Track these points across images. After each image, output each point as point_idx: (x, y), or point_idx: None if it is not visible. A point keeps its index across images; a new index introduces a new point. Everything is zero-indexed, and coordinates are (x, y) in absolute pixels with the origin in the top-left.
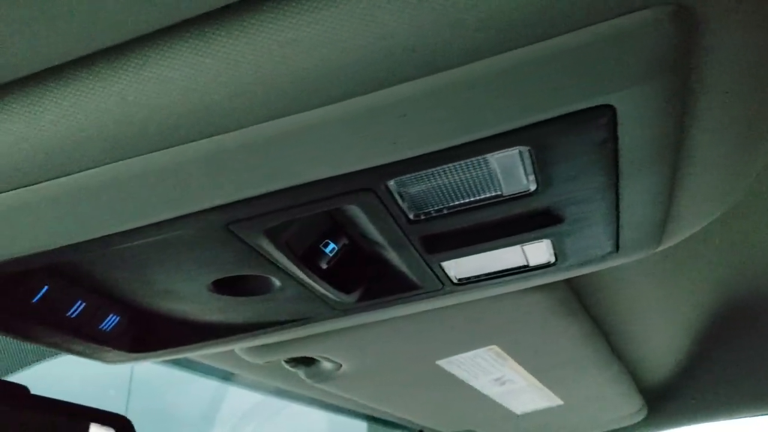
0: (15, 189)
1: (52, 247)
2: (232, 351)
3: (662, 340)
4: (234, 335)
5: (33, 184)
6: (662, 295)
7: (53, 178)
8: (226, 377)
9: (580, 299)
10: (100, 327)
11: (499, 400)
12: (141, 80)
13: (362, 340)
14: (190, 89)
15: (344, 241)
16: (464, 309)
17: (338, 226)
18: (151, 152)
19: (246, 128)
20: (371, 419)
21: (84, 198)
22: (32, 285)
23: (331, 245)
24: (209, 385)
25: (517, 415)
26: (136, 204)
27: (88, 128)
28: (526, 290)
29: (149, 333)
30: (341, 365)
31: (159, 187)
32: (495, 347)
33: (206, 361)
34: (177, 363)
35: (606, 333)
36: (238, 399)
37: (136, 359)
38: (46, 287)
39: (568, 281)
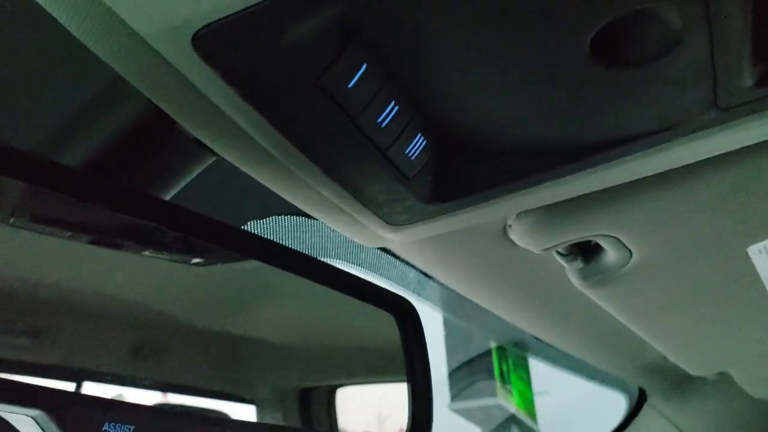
0: None
1: None
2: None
3: None
4: (570, 164)
5: None
6: None
7: None
8: None
9: None
10: (407, 152)
11: None
12: None
13: (669, 211)
14: None
15: None
16: None
17: None
18: None
19: None
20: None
21: None
22: (347, 59)
23: None
24: None
25: None
26: None
27: None
28: None
29: (454, 169)
30: (630, 256)
31: None
32: None
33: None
34: None
35: None
36: None
37: (423, 219)
38: (364, 65)
39: None
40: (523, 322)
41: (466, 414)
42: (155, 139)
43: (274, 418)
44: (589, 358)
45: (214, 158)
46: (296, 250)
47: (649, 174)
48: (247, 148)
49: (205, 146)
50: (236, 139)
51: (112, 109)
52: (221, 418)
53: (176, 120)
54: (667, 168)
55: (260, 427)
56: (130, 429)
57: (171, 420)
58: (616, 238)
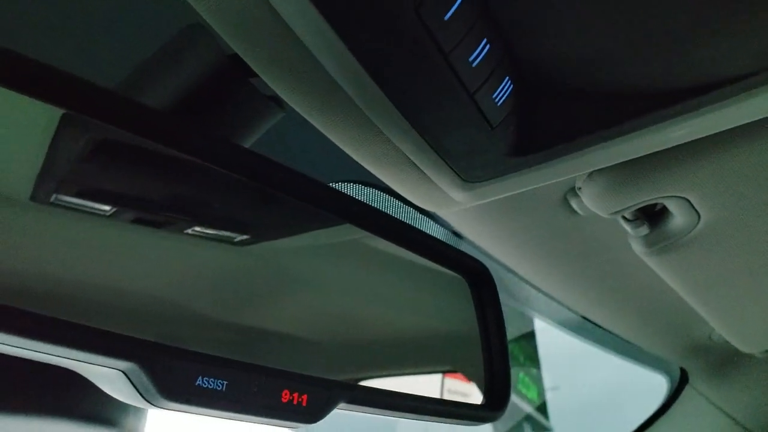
0: None
1: None
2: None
3: None
4: (660, 110)
5: None
6: None
7: None
8: None
9: None
10: (494, 97)
11: None
12: None
13: (742, 169)
14: None
15: None
16: None
17: None
18: None
19: None
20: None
21: None
22: None
23: None
24: None
25: None
26: None
27: None
28: None
29: (538, 120)
30: (698, 220)
31: None
32: None
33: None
34: None
35: None
36: None
37: (500, 175)
38: None
39: None
40: (572, 298)
41: None
42: (228, 91)
43: None
44: (633, 338)
45: (283, 113)
46: (365, 203)
47: (735, 124)
48: (325, 95)
49: (276, 100)
50: (314, 87)
51: (186, 58)
52: (305, 378)
53: (251, 61)
54: (755, 117)
55: (341, 386)
56: (222, 384)
57: (261, 377)
58: (685, 199)
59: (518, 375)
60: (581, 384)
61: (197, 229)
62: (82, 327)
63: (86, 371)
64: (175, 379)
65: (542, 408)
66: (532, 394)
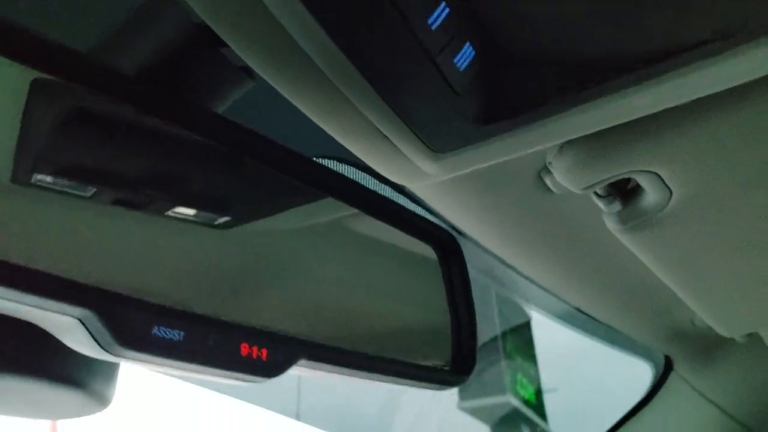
0: None
1: None
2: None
3: None
4: (626, 75)
5: None
6: None
7: None
8: None
9: None
10: (455, 61)
11: None
12: None
13: (711, 142)
14: None
15: None
16: None
17: None
18: None
19: None
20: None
21: None
22: None
23: None
24: None
25: None
26: None
27: None
28: None
29: (504, 86)
30: (670, 196)
31: None
32: None
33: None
34: None
35: None
36: None
37: (468, 144)
38: None
39: None
40: (549, 279)
41: (476, 413)
42: (197, 61)
43: None
44: (614, 322)
45: (253, 83)
46: (335, 171)
47: (698, 94)
48: (293, 64)
49: (246, 70)
50: (281, 55)
51: (154, 26)
52: (266, 332)
53: (217, 29)
54: (718, 88)
55: (302, 343)
56: (179, 334)
57: (218, 330)
58: (656, 174)
59: (516, 374)
60: (574, 381)
61: (177, 210)
62: (37, 271)
63: (43, 321)
64: (131, 327)
65: (539, 406)
66: (529, 393)
